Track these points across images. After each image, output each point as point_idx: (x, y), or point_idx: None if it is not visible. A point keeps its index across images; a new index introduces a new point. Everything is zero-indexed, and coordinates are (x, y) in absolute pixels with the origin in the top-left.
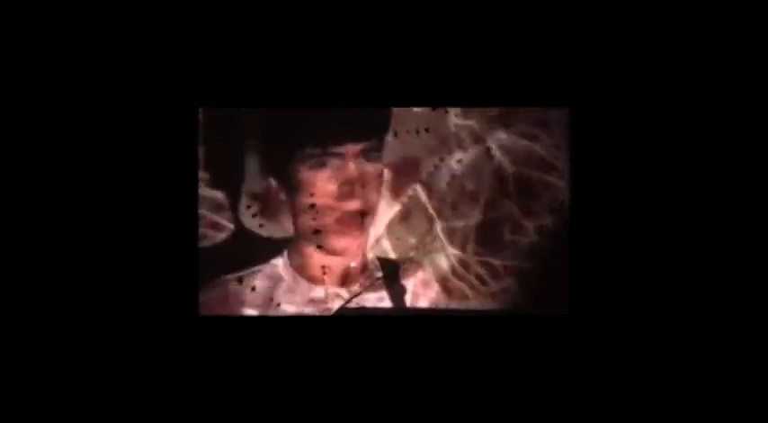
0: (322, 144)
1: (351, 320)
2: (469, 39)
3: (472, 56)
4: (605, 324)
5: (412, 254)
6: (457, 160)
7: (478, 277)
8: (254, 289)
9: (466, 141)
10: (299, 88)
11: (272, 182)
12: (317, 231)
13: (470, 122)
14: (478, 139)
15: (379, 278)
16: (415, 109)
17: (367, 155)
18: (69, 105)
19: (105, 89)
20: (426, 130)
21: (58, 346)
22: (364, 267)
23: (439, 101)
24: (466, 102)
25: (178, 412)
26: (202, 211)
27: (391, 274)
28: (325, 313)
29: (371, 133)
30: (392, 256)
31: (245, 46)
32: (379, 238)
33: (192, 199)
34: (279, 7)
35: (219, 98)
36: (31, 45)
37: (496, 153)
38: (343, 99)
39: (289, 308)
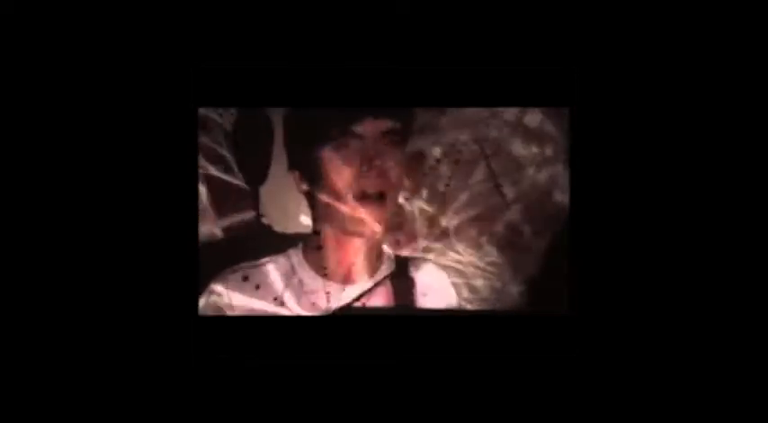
0: (343, 127)
1: (355, 320)
2: (469, 39)
3: (471, 56)
4: (605, 324)
5: (420, 251)
6: (454, 161)
7: (479, 277)
8: (260, 284)
9: (464, 140)
10: (300, 88)
11: (295, 172)
12: (336, 214)
13: (470, 120)
14: (477, 138)
15: (386, 276)
16: None
17: (389, 137)
18: (67, 105)
19: (104, 89)
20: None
21: (55, 346)
22: (379, 259)
23: (437, 101)
24: (465, 102)
25: (178, 414)
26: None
27: (399, 269)
28: (331, 309)
29: (394, 116)
30: (401, 251)
31: (246, 45)
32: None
33: (193, 199)
34: (280, 6)
35: (220, 98)
36: (30, 44)
37: (494, 153)
38: (342, 99)
39: (301, 299)
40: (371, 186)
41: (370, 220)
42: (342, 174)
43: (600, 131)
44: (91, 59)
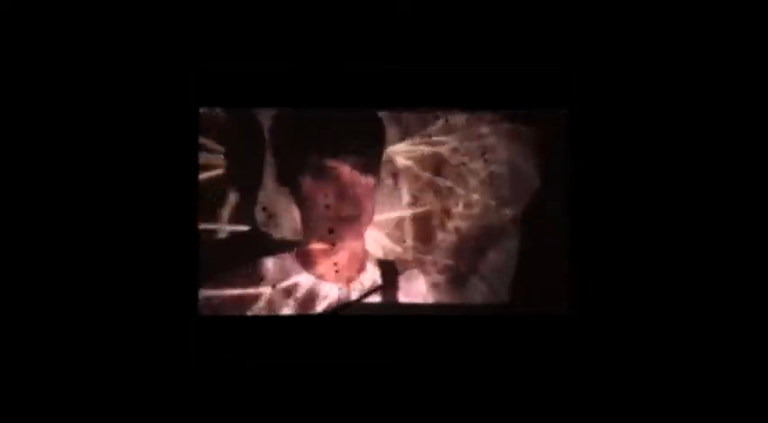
0: (324, 160)
1: (354, 320)
2: (468, 39)
3: (471, 57)
4: (605, 324)
5: (411, 255)
6: (459, 165)
7: (478, 277)
8: (263, 277)
9: (464, 147)
10: (300, 89)
11: (285, 189)
12: (319, 230)
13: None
14: (475, 142)
15: (380, 286)
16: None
17: (360, 169)
18: (68, 105)
19: (104, 88)
20: (429, 136)
21: (58, 345)
22: (362, 266)
23: (437, 103)
24: (465, 103)
25: (179, 414)
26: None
27: (388, 275)
28: (327, 310)
29: (365, 150)
30: (391, 257)
31: (246, 45)
32: (379, 240)
33: (193, 198)
34: (280, 7)
35: (220, 98)
36: (30, 44)
37: (494, 155)
38: (341, 100)
39: (296, 297)
40: (347, 211)
41: (346, 237)
42: (321, 201)
43: (599, 131)
44: (91, 59)
